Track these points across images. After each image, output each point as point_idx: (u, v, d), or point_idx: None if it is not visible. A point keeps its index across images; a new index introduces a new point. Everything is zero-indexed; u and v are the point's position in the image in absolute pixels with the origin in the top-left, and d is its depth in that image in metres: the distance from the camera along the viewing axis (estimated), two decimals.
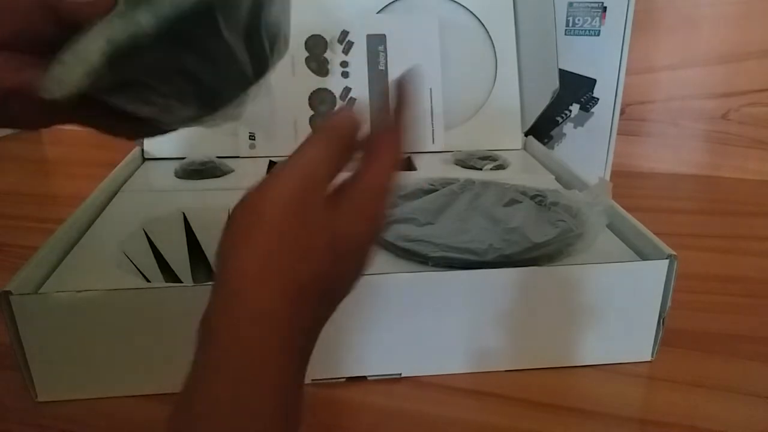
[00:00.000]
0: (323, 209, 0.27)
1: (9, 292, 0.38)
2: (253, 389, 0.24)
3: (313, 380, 0.43)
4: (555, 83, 0.69)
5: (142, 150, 0.69)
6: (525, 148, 0.73)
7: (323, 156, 0.27)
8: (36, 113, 0.29)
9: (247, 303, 0.25)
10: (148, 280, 0.47)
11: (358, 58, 0.71)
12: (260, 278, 0.25)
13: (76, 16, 0.29)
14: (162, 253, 0.51)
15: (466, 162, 0.67)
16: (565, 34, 0.74)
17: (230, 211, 0.26)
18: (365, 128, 0.29)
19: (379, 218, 0.29)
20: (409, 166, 0.68)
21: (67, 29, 0.28)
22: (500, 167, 0.66)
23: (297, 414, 0.26)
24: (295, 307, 0.26)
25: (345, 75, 0.71)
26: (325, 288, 0.27)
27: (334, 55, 0.70)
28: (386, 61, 0.71)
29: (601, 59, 0.73)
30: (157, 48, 0.26)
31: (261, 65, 0.30)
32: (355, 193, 0.28)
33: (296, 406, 0.26)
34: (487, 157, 0.67)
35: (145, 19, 0.25)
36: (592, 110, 0.76)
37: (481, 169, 0.65)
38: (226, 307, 0.25)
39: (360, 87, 0.70)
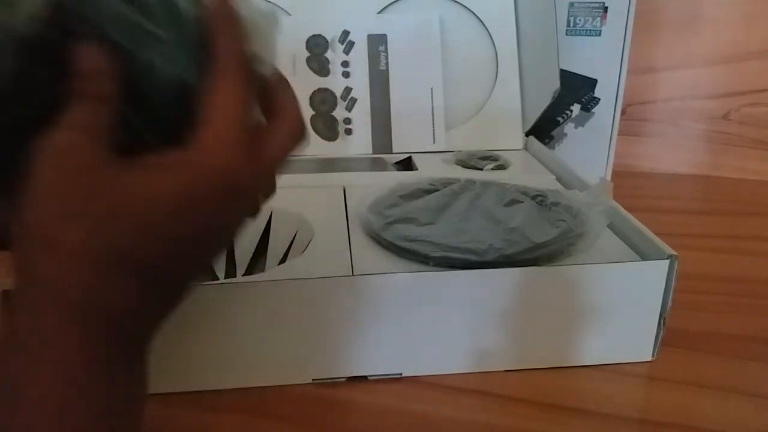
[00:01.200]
0: (106, 168, 0.23)
1: (9, 291, 0.38)
2: (33, 378, 0.21)
3: (313, 380, 0.43)
4: (556, 83, 0.69)
5: None
6: (526, 148, 0.73)
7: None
8: None
9: (33, 270, 0.21)
10: None
11: (359, 58, 0.71)
12: (51, 241, 0.21)
13: None
14: None
15: (466, 162, 0.67)
16: (566, 35, 0.74)
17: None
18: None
19: (213, 175, 0.24)
20: (410, 165, 0.68)
21: None
22: (501, 167, 0.66)
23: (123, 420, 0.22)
24: (99, 279, 0.22)
25: (346, 75, 0.71)
26: (150, 263, 0.23)
27: (335, 55, 0.71)
28: (387, 61, 0.71)
29: (602, 59, 0.74)
30: None
31: None
32: (176, 151, 0.24)
33: (115, 411, 0.22)
34: (488, 157, 0.67)
35: None
36: (593, 110, 0.76)
37: (481, 169, 0.65)
38: (19, 272, 0.22)
39: (361, 87, 0.71)
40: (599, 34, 0.73)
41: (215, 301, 0.40)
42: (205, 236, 0.24)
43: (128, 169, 0.23)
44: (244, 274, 0.51)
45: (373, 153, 0.70)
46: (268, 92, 0.28)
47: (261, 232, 0.53)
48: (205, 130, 0.24)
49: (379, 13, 0.72)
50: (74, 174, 0.22)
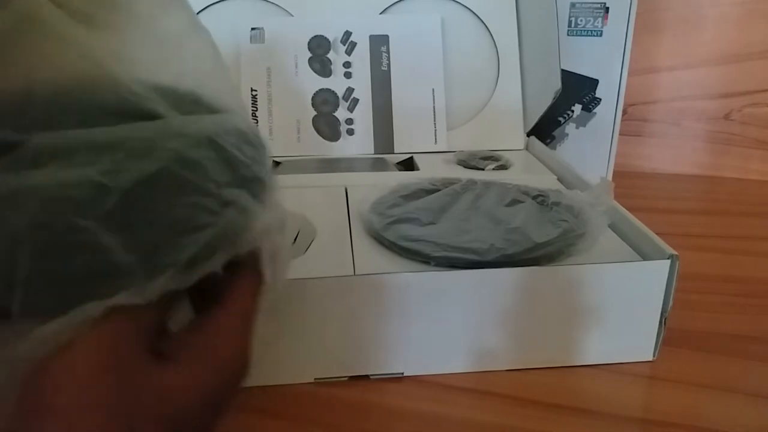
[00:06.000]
0: (147, 365, 0.22)
1: None
2: None
3: (315, 379, 0.43)
4: (557, 84, 0.69)
5: None
6: (527, 148, 0.73)
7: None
8: None
9: None
10: None
11: (361, 58, 0.71)
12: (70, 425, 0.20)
13: None
14: None
15: (468, 162, 0.67)
16: (568, 35, 0.74)
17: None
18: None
19: (235, 363, 0.25)
20: (412, 166, 0.68)
21: None
22: (502, 167, 0.66)
23: None
24: None
25: (348, 75, 0.71)
26: None
27: (337, 56, 0.71)
28: (389, 62, 0.71)
29: (604, 60, 0.74)
30: None
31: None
32: (197, 339, 0.24)
33: None
34: (490, 158, 0.67)
35: None
36: (595, 110, 0.76)
37: (483, 169, 0.65)
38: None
39: (363, 87, 0.71)
40: (600, 35, 0.73)
41: None
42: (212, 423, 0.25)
43: (158, 361, 0.23)
44: None
45: (375, 153, 0.71)
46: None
47: None
48: (221, 317, 0.26)
49: (381, 13, 0.72)
50: (112, 360, 0.21)
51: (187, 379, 0.23)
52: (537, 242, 0.45)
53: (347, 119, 0.71)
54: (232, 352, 0.25)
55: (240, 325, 0.26)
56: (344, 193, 0.57)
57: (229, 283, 0.27)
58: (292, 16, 0.71)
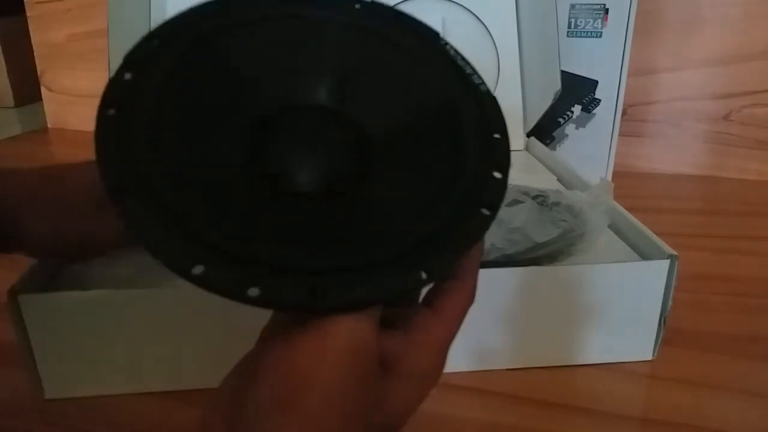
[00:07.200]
0: (379, 375, 0.23)
1: (17, 291, 0.39)
2: None
3: None
4: (557, 84, 0.69)
5: None
6: (527, 148, 0.74)
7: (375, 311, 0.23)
8: None
9: None
10: None
11: None
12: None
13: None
14: None
15: None
16: (567, 36, 0.74)
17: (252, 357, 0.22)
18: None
19: (435, 377, 0.25)
20: None
21: None
22: None
23: None
24: None
25: None
26: None
27: None
28: None
29: (603, 60, 0.74)
30: None
31: None
32: (411, 355, 0.24)
33: None
34: None
35: None
36: (594, 111, 0.76)
37: None
38: None
39: None
40: (600, 36, 0.73)
41: (214, 300, 0.40)
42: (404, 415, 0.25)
43: (387, 377, 0.23)
44: None
45: None
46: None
47: None
48: (437, 331, 0.25)
49: None
50: (361, 374, 0.21)
51: (403, 393, 0.24)
52: (537, 242, 0.45)
53: None
54: (437, 365, 0.25)
55: (445, 343, 0.26)
56: None
57: (443, 294, 0.26)
58: None
